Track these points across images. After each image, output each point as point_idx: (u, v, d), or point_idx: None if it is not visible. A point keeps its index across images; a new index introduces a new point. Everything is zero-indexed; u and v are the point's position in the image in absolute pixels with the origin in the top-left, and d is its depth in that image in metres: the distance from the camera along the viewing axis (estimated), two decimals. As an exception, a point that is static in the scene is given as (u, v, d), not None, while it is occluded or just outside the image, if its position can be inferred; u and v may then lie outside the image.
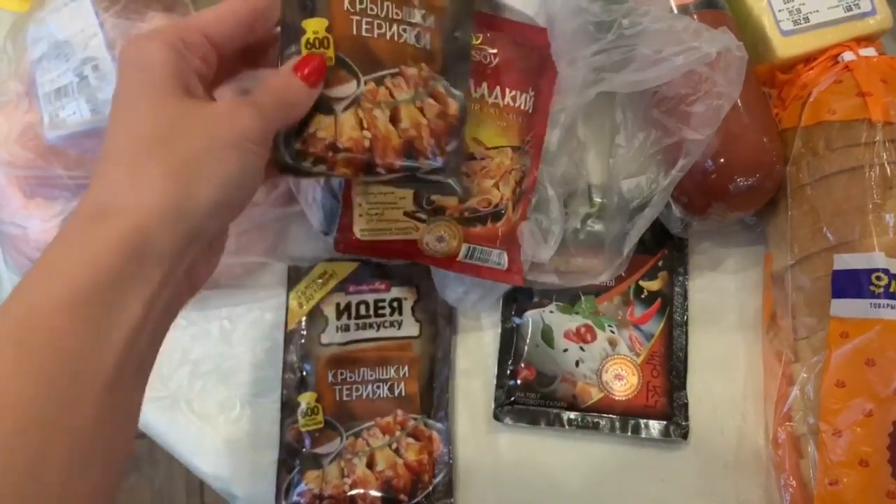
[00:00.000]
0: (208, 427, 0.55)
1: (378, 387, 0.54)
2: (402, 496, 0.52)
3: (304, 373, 0.55)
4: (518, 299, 0.56)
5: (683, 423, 0.53)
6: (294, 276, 0.56)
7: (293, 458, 0.53)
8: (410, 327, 0.56)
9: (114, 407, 0.31)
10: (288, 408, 0.54)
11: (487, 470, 0.54)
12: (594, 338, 0.55)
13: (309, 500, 0.52)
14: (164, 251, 0.32)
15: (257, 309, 0.57)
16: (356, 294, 0.56)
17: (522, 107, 0.52)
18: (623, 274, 0.55)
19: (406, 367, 0.55)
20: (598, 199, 0.56)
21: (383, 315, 0.56)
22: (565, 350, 0.55)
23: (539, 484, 0.54)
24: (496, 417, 0.54)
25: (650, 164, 0.52)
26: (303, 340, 0.55)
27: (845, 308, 0.47)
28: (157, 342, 0.35)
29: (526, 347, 0.55)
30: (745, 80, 0.47)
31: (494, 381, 0.55)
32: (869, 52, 0.52)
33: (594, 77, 0.48)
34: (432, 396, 0.54)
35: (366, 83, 0.41)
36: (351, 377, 0.54)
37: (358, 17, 0.41)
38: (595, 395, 0.54)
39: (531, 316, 0.56)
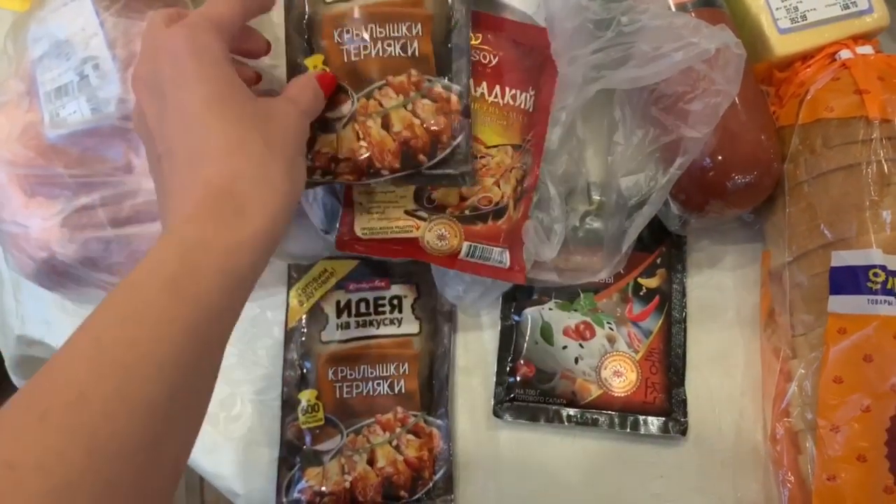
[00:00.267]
0: (209, 425, 0.55)
1: (378, 384, 0.54)
2: (402, 493, 0.52)
3: (305, 370, 0.55)
4: (517, 297, 0.57)
5: (682, 420, 0.54)
6: (294, 274, 0.57)
7: (294, 455, 0.54)
8: (410, 325, 0.56)
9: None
10: (288, 405, 0.54)
11: (487, 466, 0.55)
12: (593, 335, 0.55)
13: (309, 497, 0.52)
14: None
15: (258, 307, 0.57)
16: (356, 292, 0.56)
17: (523, 106, 0.52)
18: (622, 271, 0.56)
19: (406, 365, 0.55)
20: (596, 197, 0.56)
21: (383, 312, 0.56)
22: (564, 347, 0.55)
23: (539, 480, 0.54)
24: (496, 414, 0.55)
25: (649, 162, 0.52)
26: (303, 338, 0.55)
27: (843, 304, 0.47)
28: None
29: (525, 344, 0.55)
30: (743, 77, 0.47)
31: (494, 378, 0.55)
32: (866, 49, 0.52)
33: (594, 75, 0.48)
34: (432, 393, 0.54)
35: (358, 100, 0.47)
36: (351, 374, 0.54)
37: (346, 47, 0.48)
38: (594, 391, 0.54)
39: (530, 313, 0.56)
